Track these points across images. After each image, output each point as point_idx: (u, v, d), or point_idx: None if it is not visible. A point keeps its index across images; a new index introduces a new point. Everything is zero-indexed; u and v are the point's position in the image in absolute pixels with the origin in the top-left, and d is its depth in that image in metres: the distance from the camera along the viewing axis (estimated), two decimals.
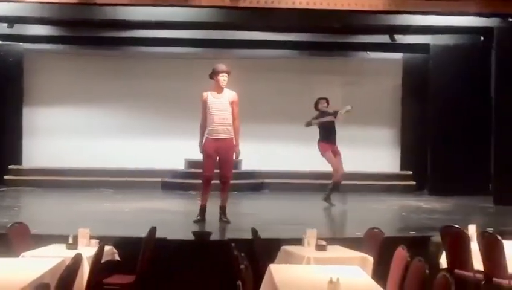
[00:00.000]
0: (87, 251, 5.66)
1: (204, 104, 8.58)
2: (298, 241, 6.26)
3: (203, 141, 8.61)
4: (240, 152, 8.69)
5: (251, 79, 13.88)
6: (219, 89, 8.58)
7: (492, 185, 11.94)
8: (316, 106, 11.23)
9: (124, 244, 6.51)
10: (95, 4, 10.04)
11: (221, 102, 8.53)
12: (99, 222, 8.30)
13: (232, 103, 8.56)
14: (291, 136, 14.23)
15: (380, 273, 5.53)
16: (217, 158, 8.59)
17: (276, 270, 5.04)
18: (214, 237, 7.53)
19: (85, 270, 5.36)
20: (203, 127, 8.64)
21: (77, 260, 4.80)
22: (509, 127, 11.26)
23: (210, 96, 8.58)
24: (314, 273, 4.99)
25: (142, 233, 6.38)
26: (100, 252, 5.51)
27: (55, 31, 12.78)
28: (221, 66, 8.62)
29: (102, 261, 5.70)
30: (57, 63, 14.38)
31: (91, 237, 6.07)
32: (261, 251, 6.06)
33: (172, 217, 9.50)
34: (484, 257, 6.14)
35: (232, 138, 8.58)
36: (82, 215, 9.32)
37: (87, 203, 11.02)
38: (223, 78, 8.54)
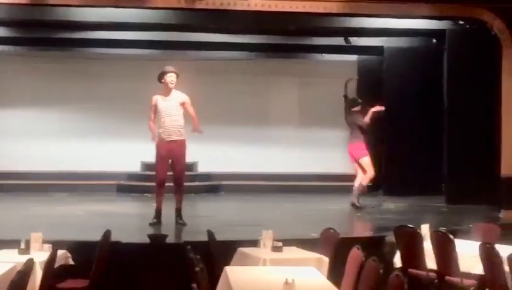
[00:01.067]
0: (40, 255, 5.56)
1: (154, 108, 8.56)
2: (254, 243, 6.27)
3: (156, 144, 8.59)
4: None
5: (207, 81, 13.87)
6: (168, 91, 8.57)
7: (445, 185, 12.15)
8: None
9: (77, 248, 6.43)
10: (47, 5, 9.87)
11: (171, 105, 8.52)
12: (53, 226, 8.18)
13: (183, 104, 8.56)
14: (247, 138, 14.27)
15: (335, 273, 5.57)
16: (170, 161, 8.56)
17: (232, 272, 5.04)
18: (170, 239, 7.48)
19: (38, 275, 5.27)
20: (152, 124, 8.61)
21: (29, 265, 4.71)
22: (461, 127, 11.48)
23: (160, 100, 8.56)
24: (269, 275, 5.00)
25: (97, 237, 6.30)
26: (53, 256, 5.42)
27: (7, 32, 12.49)
28: (169, 67, 8.65)
29: (56, 265, 5.63)
30: (8, 64, 14.09)
31: (44, 242, 5.95)
32: (217, 253, 6.05)
33: (128, 220, 9.42)
34: (437, 256, 6.25)
35: (183, 139, 8.57)
36: (35, 220, 9.15)
37: (40, 207, 10.83)
38: (170, 78, 8.52)
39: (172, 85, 8.56)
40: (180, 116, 8.55)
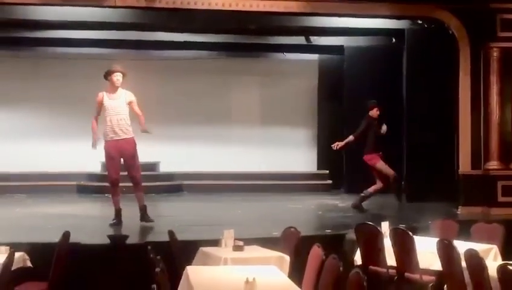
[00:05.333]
0: None
1: (100, 104, 8.50)
2: (216, 243, 6.25)
3: (104, 144, 8.51)
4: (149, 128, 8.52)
5: (168, 80, 13.80)
6: (114, 89, 8.53)
7: (404, 183, 12.28)
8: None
9: (36, 250, 6.32)
10: (3, 3, 9.68)
11: (117, 103, 8.47)
12: (10, 228, 8.06)
13: (129, 103, 8.52)
14: (209, 137, 14.24)
15: (296, 272, 5.59)
16: (122, 159, 8.51)
17: (193, 272, 5.02)
18: (131, 240, 7.42)
19: None
20: (95, 125, 8.57)
21: None
22: (420, 125, 11.64)
23: (106, 97, 8.52)
24: (230, 274, 4.99)
25: (55, 238, 6.21)
26: (10, 259, 5.33)
27: None
28: (115, 66, 8.63)
29: (13, 268, 5.52)
30: None
31: (1, 244, 5.88)
32: (179, 253, 6.03)
33: (88, 221, 9.32)
34: (396, 253, 6.32)
35: (132, 137, 8.54)
36: None
37: None
38: (116, 78, 8.49)
39: (119, 84, 8.53)
40: (126, 115, 8.51)
